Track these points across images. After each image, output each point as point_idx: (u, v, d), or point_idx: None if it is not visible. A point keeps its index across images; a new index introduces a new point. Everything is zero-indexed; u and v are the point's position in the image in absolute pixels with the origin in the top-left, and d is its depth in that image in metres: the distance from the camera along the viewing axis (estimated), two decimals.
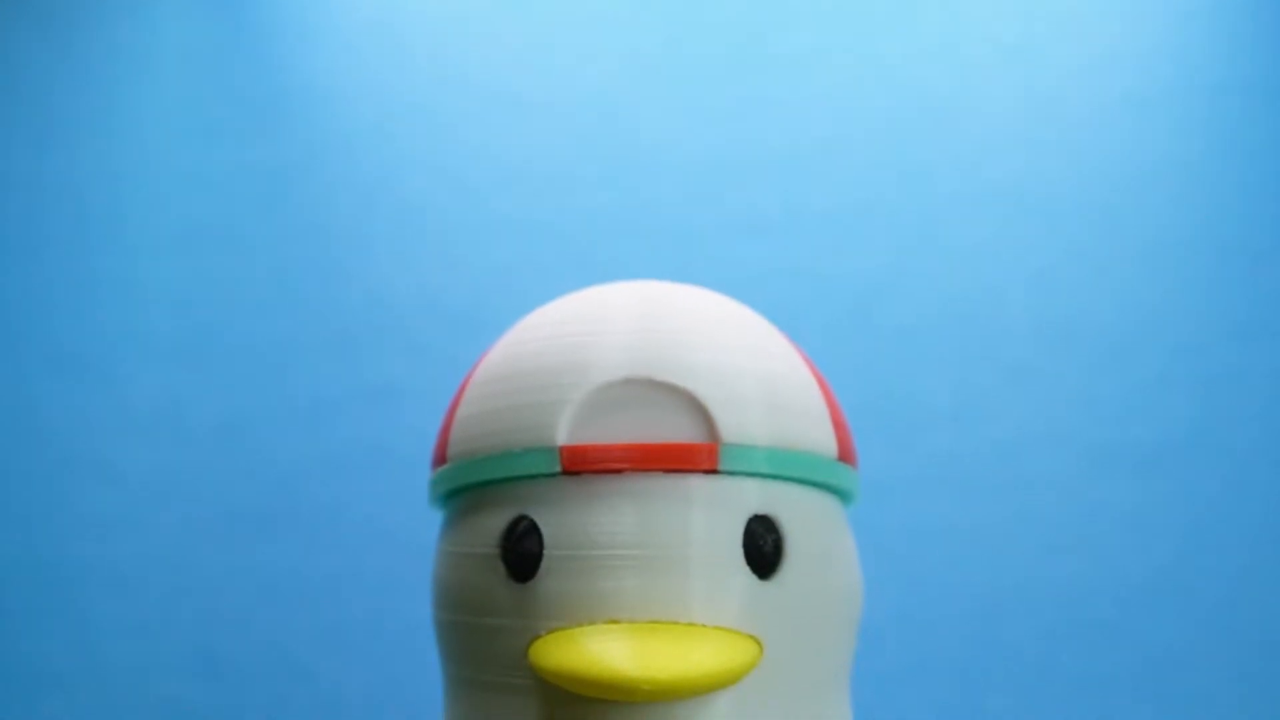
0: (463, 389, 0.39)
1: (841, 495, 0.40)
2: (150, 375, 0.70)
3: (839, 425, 0.39)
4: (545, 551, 0.36)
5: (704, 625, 0.35)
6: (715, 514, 0.36)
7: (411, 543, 0.47)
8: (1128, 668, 0.66)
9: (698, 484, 0.36)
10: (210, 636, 0.68)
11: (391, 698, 0.67)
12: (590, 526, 0.36)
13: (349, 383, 0.69)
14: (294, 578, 0.68)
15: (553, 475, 0.36)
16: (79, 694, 0.68)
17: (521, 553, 0.36)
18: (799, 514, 0.37)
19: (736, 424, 0.36)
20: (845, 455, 0.39)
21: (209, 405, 0.69)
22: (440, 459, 0.39)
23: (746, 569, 0.36)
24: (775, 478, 0.37)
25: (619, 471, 0.36)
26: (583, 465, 0.36)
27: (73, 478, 0.69)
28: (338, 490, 0.68)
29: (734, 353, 0.37)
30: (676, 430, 0.36)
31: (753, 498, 0.37)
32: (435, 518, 0.41)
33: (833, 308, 0.68)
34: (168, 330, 0.70)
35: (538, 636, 0.36)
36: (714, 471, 0.36)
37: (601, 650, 0.34)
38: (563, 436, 0.36)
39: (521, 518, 0.37)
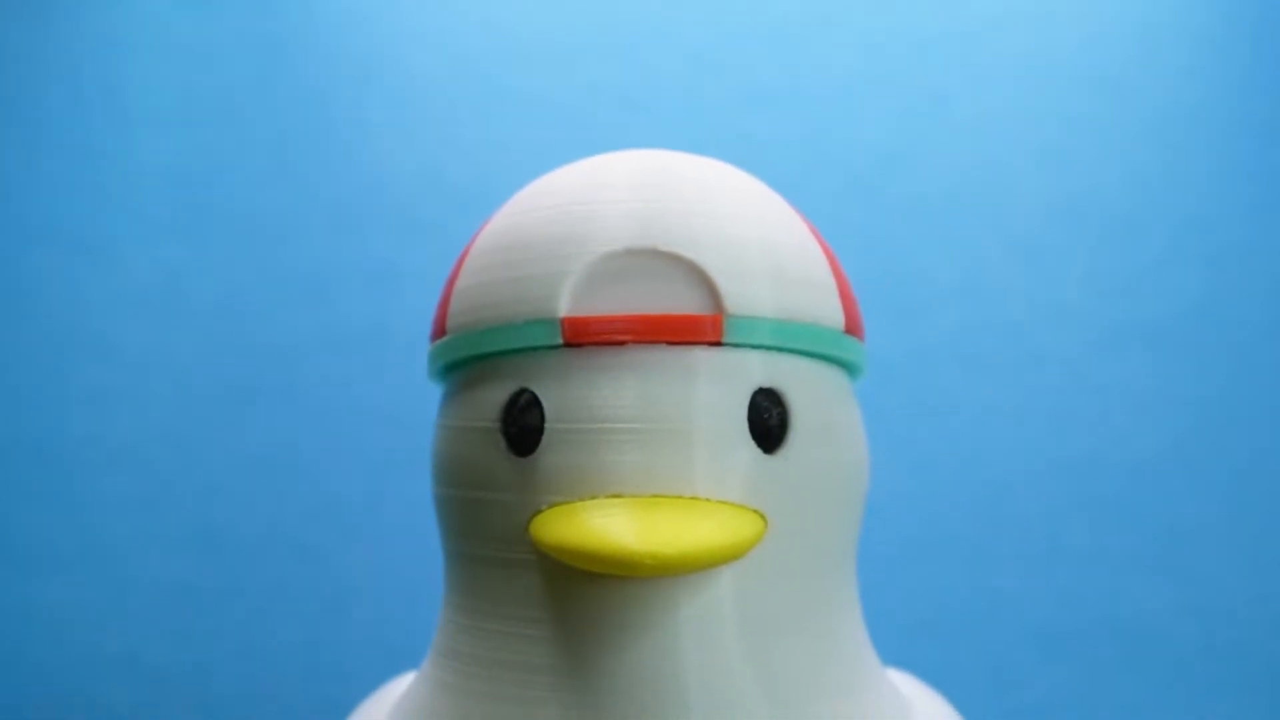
0: (462, 260, 0.39)
1: (848, 369, 0.39)
2: (147, 250, 0.69)
3: (846, 297, 0.38)
4: (546, 425, 0.36)
5: (708, 500, 0.35)
6: (719, 387, 0.36)
7: (412, 421, 0.47)
8: (1137, 545, 0.66)
9: (702, 356, 0.36)
10: (209, 514, 0.69)
11: (392, 575, 0.67)
12: (592, 399, 0.35)
13: (348, 258, 0.68)
14: (293, 455, 0.68)
15: (554, 348, 0.36)
16: (76, 571, 0.68)
17: (522, 426, 0.36)
18: (805, 387, 0.37)
19: (741, 295, 0.35)
20: (852, 328, 0.39)
21: (206, 280, 0.69)
22: (439, 331, 0.39)
23: (751, 443, 0.36)
24: (781, 350, 0.37)
25: (621, 344, 0.35)
26: (584, 337, 0.36)
27: (69, 353, 0.69)
28: (338, 367, 0.68)
29: (739, 223, 0.36)
30: (680, 301, 0.35)
31: (758, 370, 0.36)
32: (436, 396, 0.40)
33: (839, 180, 0.67)
34: (165, 204, 0.69)
35: (539, 511, 0.35)
36: (718, 344, 0.36)
37: (604, 524, 0.33)
38: (564, 308, 0.36)
39: (522, 391, 0.36)
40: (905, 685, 0.41)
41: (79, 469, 0.68)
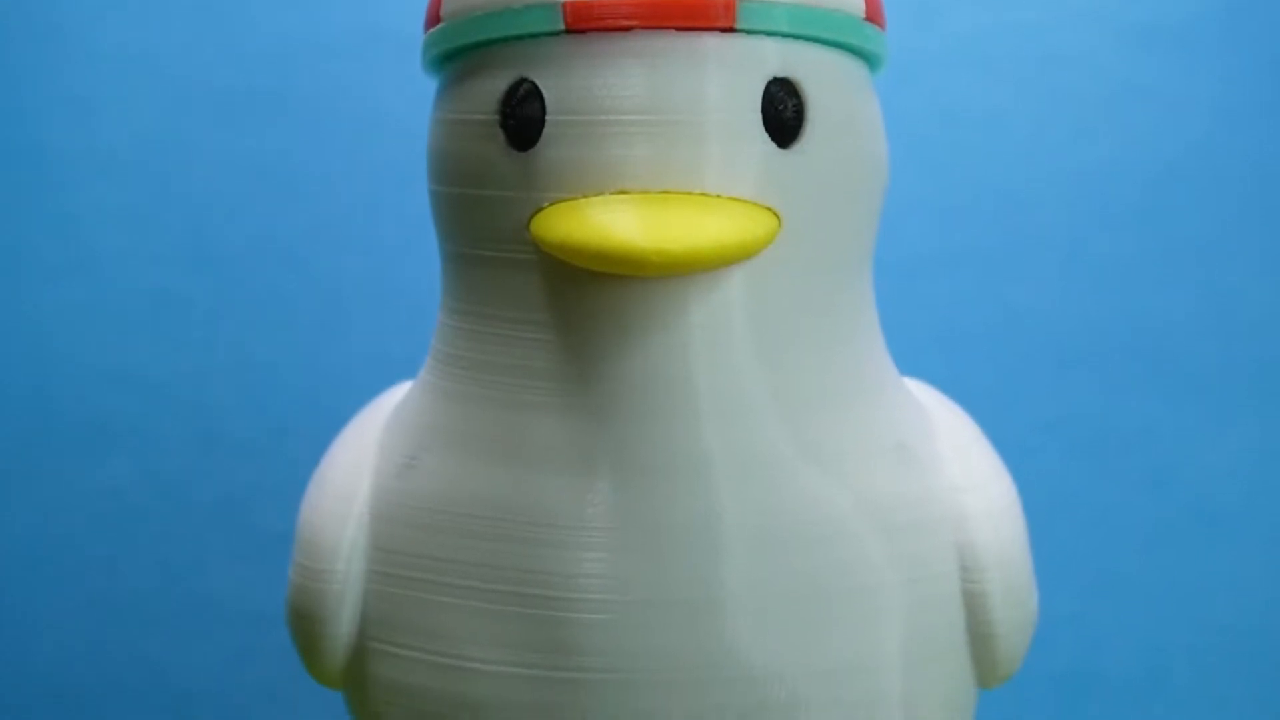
0: None
1: (868, 59, 0.38)
2: None
3: None
4: (547, 117, 0.34)
5: (718, 196, 0.34)
6: (731, 76, 0.34)
7: (410, 128, 0.45)
8: (1158, 256, 0.65)
9: (713, 43, 0.34)
10: (199, 226, 0.68)
11: (388, 285, 0.66)
12: (596, 89, 0.34)
13: None
14: (287, 164, 0.67)
15: (555, 34, 0.34)
16: (65, 283, 0.67)
17: (522, 118, 0.35)
18: (822, 77, 0.35)
19: None
20: (873, 15, 0.37)
21: None
22: (433, 19, 0.37)
23: (765, 136, 0.34)
24: (797, 37, 0.35)
25: (627, 29, 0.34)
26: (587, 22, 0.34)
27: (53, 56, 0.67)
28: (333, 72, 0.67)
29: None
30: None
31: (772, 59, 0.35)
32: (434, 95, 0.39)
33: None
34: None
35: (540, 208, 0.34)
36: (730, 30, 0.34)
37: (609, 220, 0.32)
38: None
39: (522, 80, 0.35)
40: (923, 394, 0.40)
41: (64, 178, 0.67)
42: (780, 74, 0.35)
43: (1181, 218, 0.65)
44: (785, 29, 0.35)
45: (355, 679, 0.38)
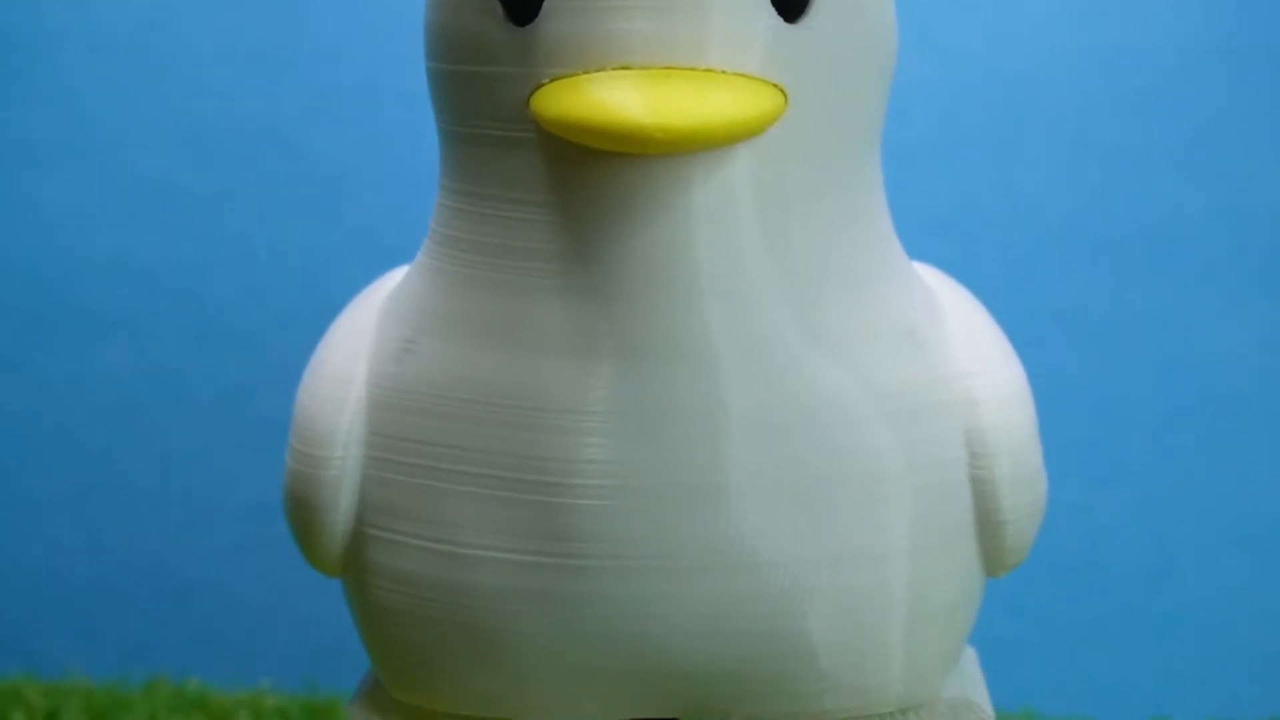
0: None
1: None
2: None
3: None
4: None
5: (723, 71, 0.33)
6: None
7: (408, 6, 0.45)
8: (1170, 142, 0.64)
9: None
10: (197, 110, 0.67)
11: (386, 172, 0.66)
12: None
13: None
14: (282, 47, 0.66)
15: None
16: (60, 171, 0.67)
17: None
18: None
19: None
20: None
21: None
22: None
23: (771, 10, 0.33)
24: None
25: None
26: None
27: None
28: None
29: None
30: None
31: None
32: None
33: None
34: None
35: (539, 85, 0.33)
36: None
37: (610, 97, 0.32)
38: None
39: None
40: (931, 278, 0.39)
41: (58, 64, 0.67)
42: None
43: (1194, 102, 0.64)
44: None
45: (354, 566, 0.38)
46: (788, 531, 0.34)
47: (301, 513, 0.38)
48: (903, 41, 0.38)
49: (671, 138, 0.31)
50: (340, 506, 0.37)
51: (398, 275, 0.40)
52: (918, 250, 0.40)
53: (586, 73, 0.33)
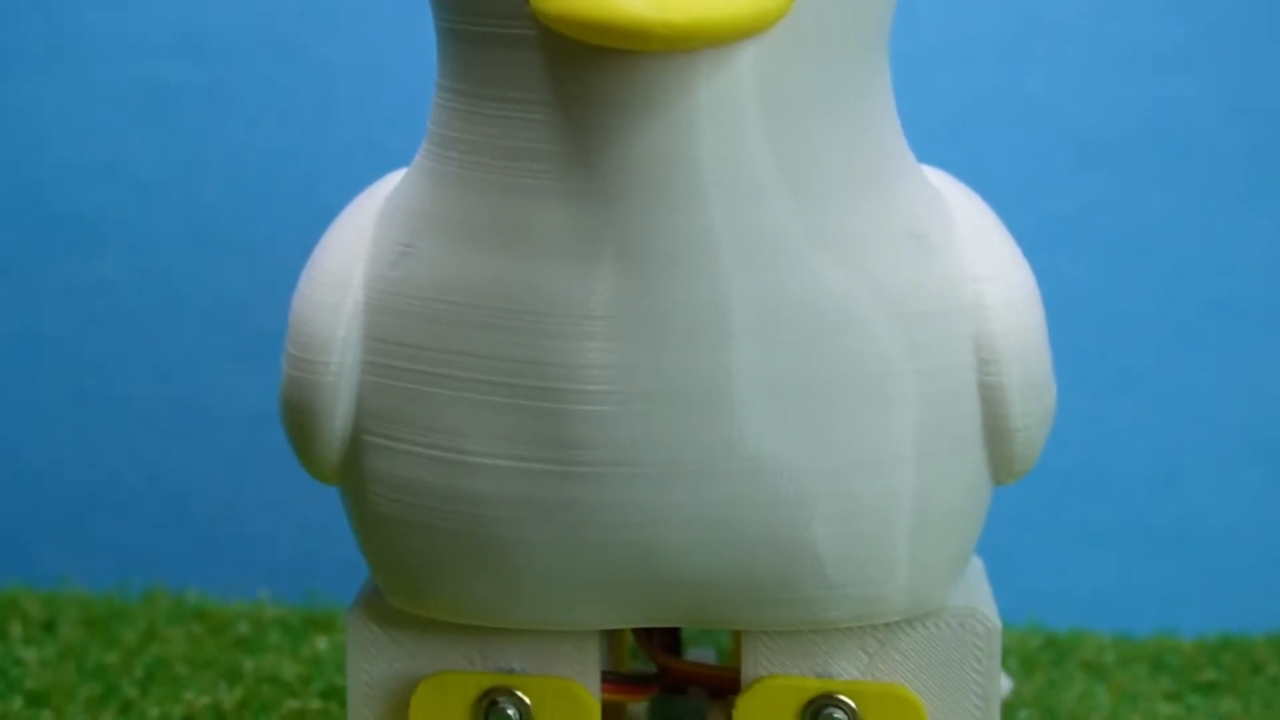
0: None
1: None
2: None
3: None
4: None
5: None
6: None
7: None
8: (1184, 43, 0.64)
9: None
10: (190, 14, 0.66)
11: (384, 75, 0.65)
12: None
13: None
14: None
15: None
16: (53, 73, 0.66)
17: None
18: None
19: None
20: None
21: None
22: None
23: None
24: None
25: None
26: None
27: None
28: None
29: None
30: None
31: None
32: None
33: None
34: None
35: None
36: None
37: None
38: None
39: None
40: (940, 182, 0.39)
41: None
42: None
43: (1208, 4, 0.64)
44: None
45: (352, 474, 0.37)
46: (792, 437, 0.34)
47: (298, 419, 0.37)
48: None
49: (674, 34, 0.30)
50: (337, 413, 0.37)
51: (395, 178, 0.39)
52: (925, 155, 0.39)
53: None
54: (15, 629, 0.59)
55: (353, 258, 0.37)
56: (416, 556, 0.37)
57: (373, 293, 0.36)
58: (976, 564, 0.42)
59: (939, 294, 0.35)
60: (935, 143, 0.45)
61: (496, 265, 0.34)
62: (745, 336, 0.33)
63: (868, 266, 0.34)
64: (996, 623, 0.38)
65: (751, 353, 0.34)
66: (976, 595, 0.39)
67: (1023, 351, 0.36)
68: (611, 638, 0.43)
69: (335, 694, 0.53)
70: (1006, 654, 0.57)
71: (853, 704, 0.37)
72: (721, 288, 0.33)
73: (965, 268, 0.36)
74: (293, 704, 0.52)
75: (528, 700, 0.38)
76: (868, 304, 0.34)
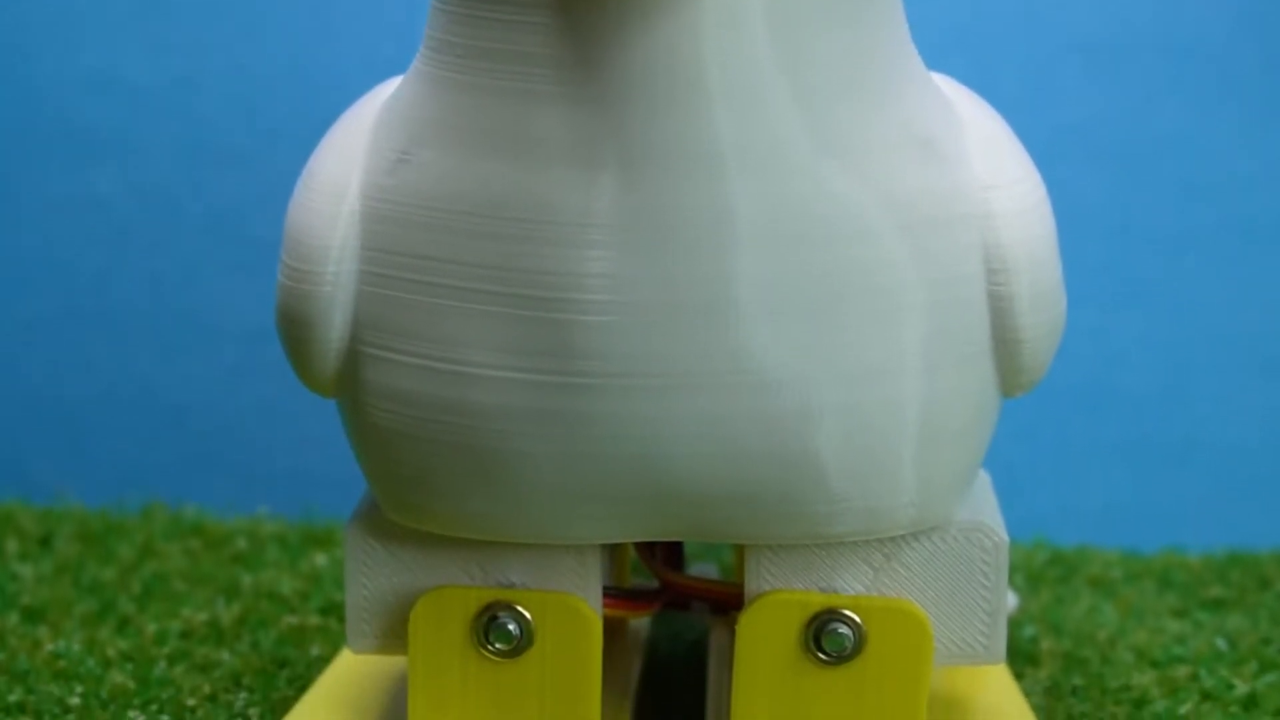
0: None
1: None
2: None
3: None
4: None
5: None
6: None
7: None
8: None
9: None
10: None
11: None
12: None
13: None
14: None
15: None
16: None
17: None
18: None
19: None
20: None
21: None
22: None
23: None
24: None
25: None
26: None
27: None
28: None
29: None
30: None
31: None
32: None
33: None
34: None
35: None
36: None
37: None
38: None
39: None
40: (949, 89, 0.38)
41: None
42: None
43: None
44: None
45: (349, 386, 0.37)
46: (797, 348, 0.34)
47: (294, 330, 0.37)
48: None
49: None
50: (334, 324, 0.36)
51: (393, 85, 0.39)
52: (934, 63, 0.39)
53: None
54: (11, 545, 0.59)
55: (349, 166, 0.36)
56: (414, 470, 0.36)
57: (369, 201, 0.36)
58: (983, 478, 0.41)
59: (947, 202, 0.35)
60: (943, 51, 0.44)
61: (495, 172, 0.34)
62: (749, 245, 0.33)
63: (875, 173, 0.34)
64: (1004, 536, 0.38)
65: (756, 261, 0.33)
66: (984, 509, 0.39)
67: (1032, 261, 0.36)
68: (613, 553, 0.43)
69: (334, 609, 0.53)
70: (1013, 570, 0.57)
71: (857, 619, 0.37)
72: (725, 195, 0.33)
73: (975, 175, 0.36)
74: (291, 620, 0.52)
75: (528, 615, 0.38)
76: (874, 211, 0.34)
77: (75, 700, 0.45)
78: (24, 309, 0.68)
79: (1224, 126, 0.64)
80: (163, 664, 0.48)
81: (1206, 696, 0.47)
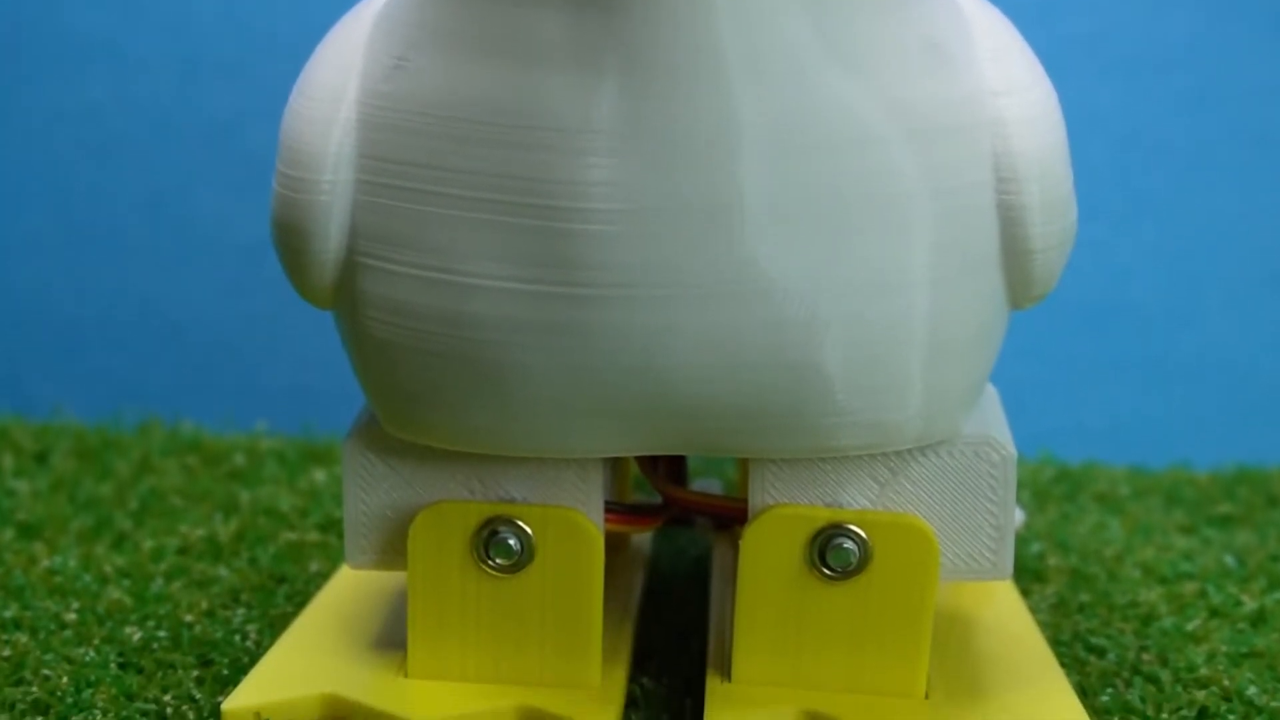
0: None
1: None
2: None
3: None
4: None
5: None
6: None
7: None
8: None
9: None
10: None
11: None
12: None
13: None
14: None
15: None
16: None
17: None
18: None
19: None
20: None
21: None
22: None
23: None
24: None
25: None
26: None
27: None
28: None
29: None
30: None
31: None
32: None
33: None
34: None
35: None
36: None
37: None
38: None
39: None
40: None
41: None
42: None
43: None
44: None
45: (345, 297, 0.36)
46: (803, 258, 0.33)
47: (290, 240, 0.36)
48: None
49: None
50: (330, 234, 0.36)
51: None
52: None
53: None
54: (7, 460, 0.58)
55: (345, 72, 0.36)
56: (413, 382, 0.36)
57: (366, 108, 0.35)
58: (991, 392, 0.41)
59: (956, 109, 0.34)
60: None
61: (494, 77, 0.33)
62: (754, 153, 0.32)
63: (883, 79, 0.33)
64: (1012, 450, 0.37)
65: (760, 170, 0.32)
66: (991, 423, 0.38)
67: (1043, 170, 0.35)
68: (615, 468, 0.43)
69: (333, 526, 0.53)
70: (1019, 487, 0.56)
71: (863, 534, 0.37)
72: (729, 102, 0.32)
73: (984, 82, 0.35)
74: (289, 536, 0.52)
75: (529, 530, 0.37)
76: (882, 120, 0.33)
77: (72, 616, 0.45)
78: (16, 224, 0.67)
79: (1236, 37, 0.63)
80: (160, 580, 0.48)
81: (1214, 613, 0.47)
